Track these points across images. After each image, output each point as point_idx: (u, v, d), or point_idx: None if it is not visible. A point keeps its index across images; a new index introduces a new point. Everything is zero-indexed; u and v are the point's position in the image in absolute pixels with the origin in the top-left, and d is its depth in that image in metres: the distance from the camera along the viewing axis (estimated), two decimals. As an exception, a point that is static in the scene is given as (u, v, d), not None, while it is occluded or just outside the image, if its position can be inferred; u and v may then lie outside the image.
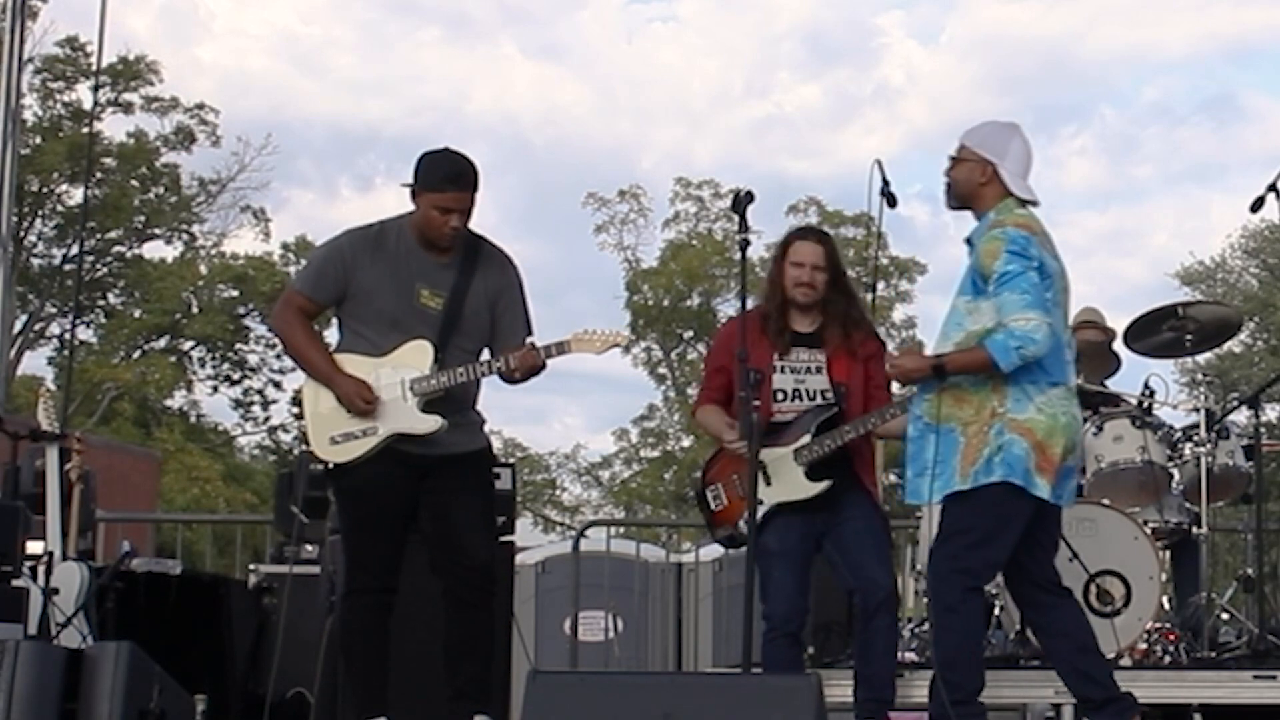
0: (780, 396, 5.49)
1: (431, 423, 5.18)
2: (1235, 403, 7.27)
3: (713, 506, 5.60)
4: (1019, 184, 5.13)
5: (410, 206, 5.27)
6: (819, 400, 5.49)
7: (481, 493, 5.36)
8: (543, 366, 5.21)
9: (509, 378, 5.24)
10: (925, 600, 6.91)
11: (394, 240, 5.25)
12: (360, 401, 5.16)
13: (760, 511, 5.30)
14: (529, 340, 5.27)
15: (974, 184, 5.15)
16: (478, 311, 5.28)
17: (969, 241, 5.19)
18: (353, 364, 5.24)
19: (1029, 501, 4.98)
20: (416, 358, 5.21)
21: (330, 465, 5.27)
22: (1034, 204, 5.16)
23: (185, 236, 34.53)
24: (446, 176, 5.17)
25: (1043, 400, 4.98)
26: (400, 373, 5.20)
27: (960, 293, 5.12)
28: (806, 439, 5.44)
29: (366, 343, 5.25)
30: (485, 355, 5.34)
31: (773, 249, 5.89)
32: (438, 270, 5.25)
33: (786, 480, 5.42)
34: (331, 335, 5.52)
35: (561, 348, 5.22)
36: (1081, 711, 5.24)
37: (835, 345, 5.51)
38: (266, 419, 36.19)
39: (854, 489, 5.48)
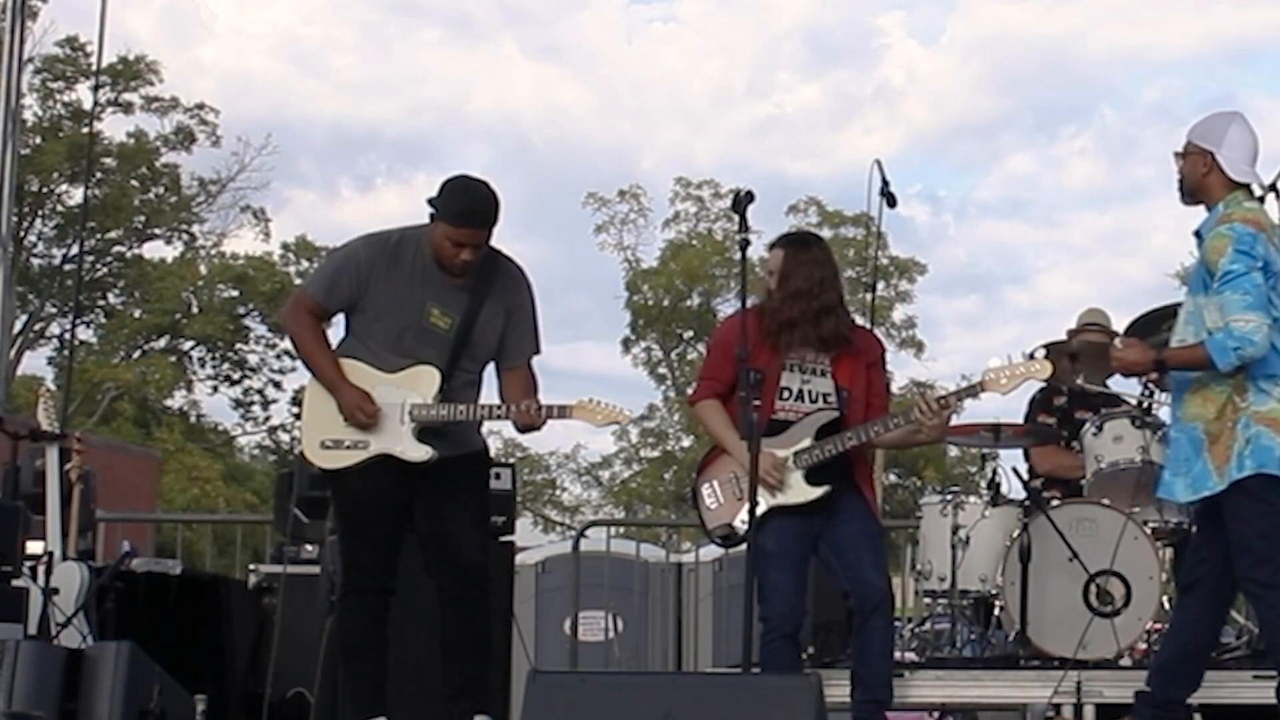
0: (785, 395, 5.46)
1: (423, 452, 5.17)
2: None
3: (707, 503, 5.58)
4: (1240, 170, 5.13)
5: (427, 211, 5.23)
6: (821, 403, 5.48)
7: (476, 493, 5.36)
8: (542, 425, 5.21)
9: (523, 429, 5.27)
10: (926, 601, 6.94)
11: (411, 255, 5.21)
12: (361, 415, 5.15)
13: (756, 513, 5.30)
14: (534, 397, 5.24)
15: (1197, 176, 5.18)
16: (487, 333, 5.27)
17: (1198, 235, 5.21)
18: (357, 374, 5.22)
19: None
20: (423, 383, 5.19)
21: (317, 471, 5.29)
22: (1268, 189, 5.20)
23: (185, 236, 34.59)
24: (462, 212, 5.12)
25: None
26: (403, 394, 5.18)
27: (1191, 290, 5.22)
28: (807, 442, 5.42)
29: (372, 354, 5.23)
30: (490, 371, 5.35)
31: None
32: (451, 290, 5.22)
33: (785, 483, 5.41)
34: (335, 334, 5.51)
35: (563, 412, 5.21)
36: (1138, 699, 5.24)
37: (841, 350, 5.51)
38: (266, 419, 36.26)
39: (850, 493, 5.47)
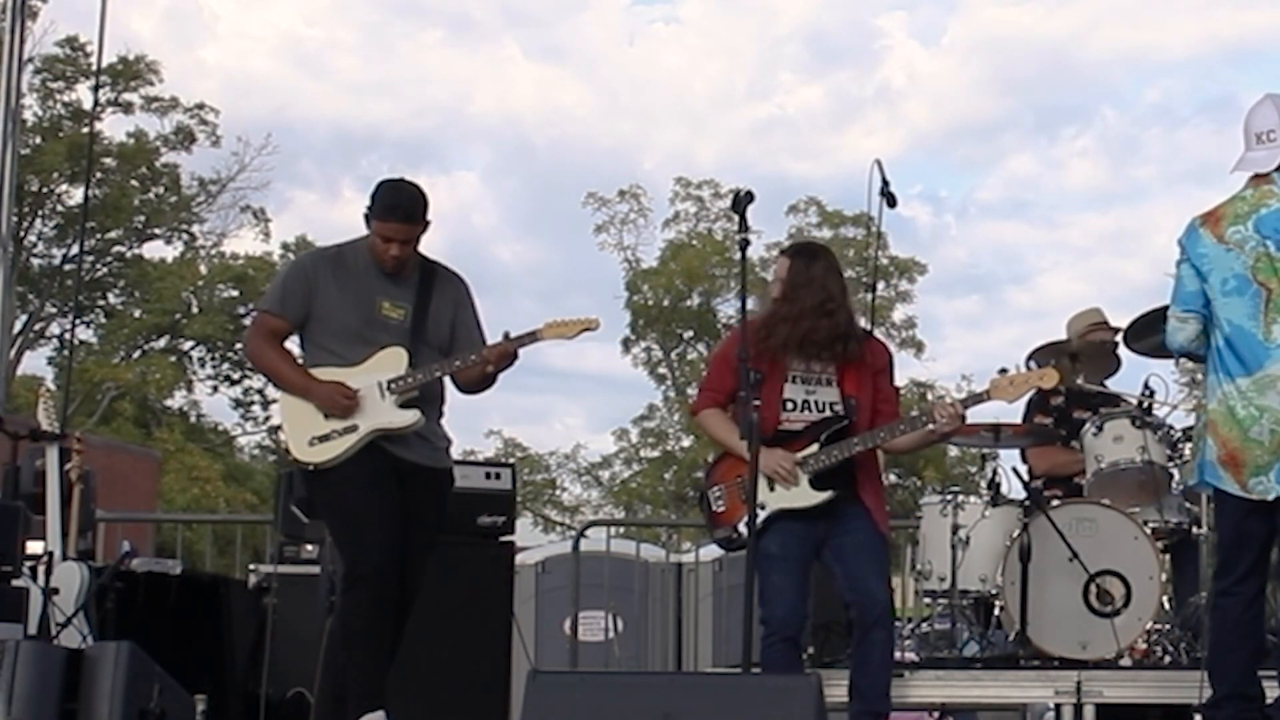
0: (790, 406, 5.48)
1: (409, 416, 5.26)
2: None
3: (714, 508, 5.59)
4: (1246, 160, 5.17)
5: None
6: (828, 412, 5.49)
7: (430, 523, 5.37)
8: (515, 356, 5.31)
9: (478, 384, 5.35)
10: (926, 601, 6.94)
11: (352, 260, 5.38)
12: (340, 399, 5.23)
13: (761, 516, 5.31)
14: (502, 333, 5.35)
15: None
16: (440, 320, 5.39)
17: None
18: (326, 374, 5.31)
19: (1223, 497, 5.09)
20: (391, 362, 5.29)
21: (311, 468, 5.29)
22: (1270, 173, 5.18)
23: (185, 236, 34.57)
24: (386, 206, 5.29)
25: (1222, 394, 5.08)
26: (375, 376, 5.28)
27: None
28: (814, 448, 5.43)
29: (334, 356, 5.33)
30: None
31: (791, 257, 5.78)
32: (397, 285, 5.37)
33: (791, 487, 5.42)
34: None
35: (534, 336, 5.31)
36: None
37: (848, 359, 5.51)
38: (266, 419, 36.18)
39: (856, 502, 5.47)
